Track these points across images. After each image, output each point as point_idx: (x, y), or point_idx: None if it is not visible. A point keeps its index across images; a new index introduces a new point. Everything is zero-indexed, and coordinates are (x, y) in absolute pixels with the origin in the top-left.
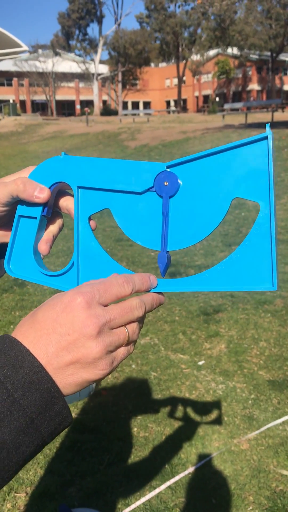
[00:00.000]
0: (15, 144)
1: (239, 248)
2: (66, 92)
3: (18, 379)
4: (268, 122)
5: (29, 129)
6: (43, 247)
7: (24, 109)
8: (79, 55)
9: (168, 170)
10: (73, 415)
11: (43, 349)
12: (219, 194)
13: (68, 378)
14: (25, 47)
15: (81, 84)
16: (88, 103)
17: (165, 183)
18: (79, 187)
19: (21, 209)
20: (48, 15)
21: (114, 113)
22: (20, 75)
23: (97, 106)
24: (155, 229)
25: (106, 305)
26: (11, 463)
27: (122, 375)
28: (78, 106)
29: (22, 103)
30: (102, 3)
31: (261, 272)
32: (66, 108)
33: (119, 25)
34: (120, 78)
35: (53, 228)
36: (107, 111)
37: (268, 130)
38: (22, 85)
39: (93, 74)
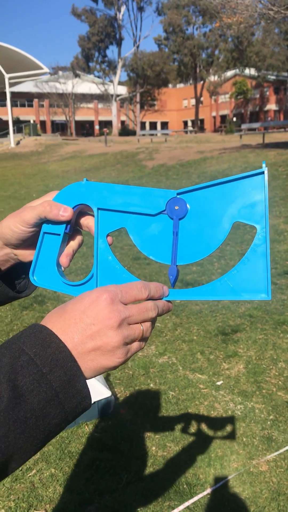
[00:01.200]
0: (35, 164)
1: (239, 264)
2: (85, 113)
3: (46, 357)
4: (263, 160)
5: (49, 149)
6: (64, 260)
7: (44, 129)
8: (99, 77)
9: (178, 196)
10: (93, 433)
11: (70, 336)
12: (221, 218)
13: (89, 363)
14: (46, 69)
15: (100, 105)
16: (107, 124)
17: (175, 207)
18: (99, 209)
19: (46, 227)
20: (69, 38)
21: (132, 133)
22: (41, 96)
23: (116, 126)
24: (166, 246)
25: (126, 304)
26: (38, 432)
27: (141, 393)
28: (97, 127)
29: (43, 123)
30: (121, 26)
31: (258, 284)
32: (85, 129)
33: (137, 47)
34: (138, 99)
35: (73, 244)
36: (125, 131)
37: (264, 167)
38: (43, 106)
39: (112, 95)
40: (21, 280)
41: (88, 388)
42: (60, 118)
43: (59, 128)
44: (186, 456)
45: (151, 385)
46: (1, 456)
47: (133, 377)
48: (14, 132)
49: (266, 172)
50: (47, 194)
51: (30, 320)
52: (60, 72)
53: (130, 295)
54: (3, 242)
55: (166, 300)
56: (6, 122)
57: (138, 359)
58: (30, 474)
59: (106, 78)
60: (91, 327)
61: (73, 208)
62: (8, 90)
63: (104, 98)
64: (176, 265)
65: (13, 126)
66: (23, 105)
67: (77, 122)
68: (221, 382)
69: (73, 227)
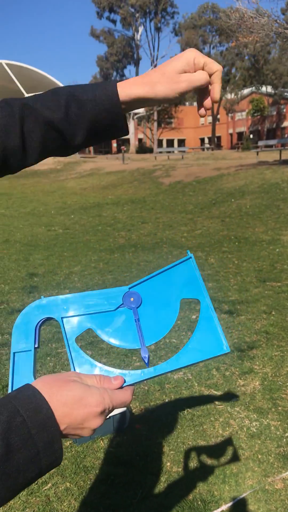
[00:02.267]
0: (54, 181)
1: (196, 333)
2: None
3: (36, 420)
4: (187, 249)
5: (67, 166)
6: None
7: None
8: None
9: (130, 290)
10: (108, 448)
11: (63, 421)
12: (170, 299)
13: (68, 435)
14: None
15: None
16: (124, 142)
17: (131, 299)
18: (62, 318)
19: (15, 347)
20: (87, 58)
21: (150, 150)
22: None
23: (133, 144)
24: (131, 333)
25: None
26: (17, 484)
27: (156, 409)
28: (114, 145)
29: None
30: (139, 46)
31: (215, 343)
32: (103, 146)
33: (155, 66)
34: (155, 117)
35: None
36: (143, 149)
37: (189, 254)
38: None
39: (129, 114)
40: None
41: (62, 449)
42: None
43: None
44: (201, 472)
45: (166, 400)
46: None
47: (149, 393)
48: None
49: (192, 258)
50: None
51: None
52: None
53: (117, 406)
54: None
55: (143, 380)
56: None
57: None
58: (46, 488)
59: None
60: (79, 425)
61: (38, 323)
62: None
63: None
64: (145, 346)
65: None
66: None
67: None
68: (236, 398)
69: (36, 340)
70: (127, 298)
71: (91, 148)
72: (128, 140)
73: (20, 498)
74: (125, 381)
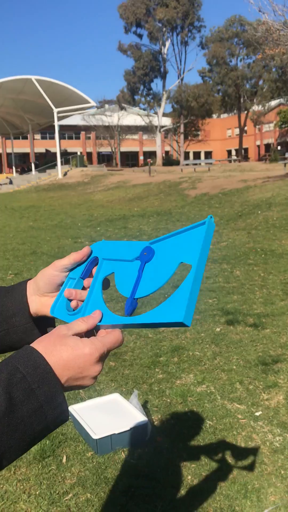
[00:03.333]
0: (81, 194)
1: (168, 298)
2: (130, 144)
3: (35, 375)
4: (210, 214)
5: (94, 179)
6: (73, 302)
7: (90, 161)
8: (144, 109)
9: (149, 245)
10: (129, 459)
11: (62, 374)
12: (172, 260)
13: (68, 388)
14: (93, 103)
15: (145, 136)
16: (151, 154)
17: (144, 253)
18: (103, 259)
19: (70, 274)
20: (115, 72)
21: (176, 163)
22: (88, 128)
23: (160, 156)
24: (132, 283)
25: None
26: (25, 435)
27: (178, 422)
28: (141, 157)
29: (89, 154)
30: (166, 60)
31: (178, 311)
32: (129, 159)
33: (182, 79)
34: (182, 129)
35: (83, 294)
36: (169, 161)
37: (207, 219)
38: (89, 138)
39: (156, 127)
40: (52, 328)
41: (66, 404)
42: (105, 149)
43: (105, 159)
44: (222, 486)
45: (189, 414)
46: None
47: (171, 405)
48: (61, 164)
49: (207, 224)
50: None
51: None
52: (106, 106)
53: (111, 347)
54: (35, 292)
55: (117, 324)
56: (54, 154)
57: (176, 387)
58: (67, 498)
59: (150, 110)
60: (79, 374)
61: (88, 259)
62: (56, 123)
63: (148, 129)
64: (134, 298)
65: (61, 158)
66: (70, 138)
67: (122, 153)
68: (260, 412)
69: (87, 275)
70: (143, 252)
71: (118, 161)
72: (154, 153)
73: (42, 508)
74: (103, 317)
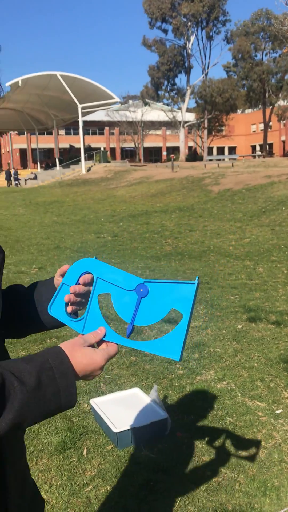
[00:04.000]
0: (104, 189)
1: (166, 335)
2: (153, 140)
3: (60, 368)
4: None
5: (117, 175)
6: (68, 308)
7: (113, 156)
8: (167, 104)
9: (144, 283)
10: (149, 454)
11: (79, 370)
12: (166, 304)
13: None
14: (117, 99)
15: (168, 132)
16: (174, 150)
17: (141, 290)
18: (97, 278)
19: (64, 280)
20: (139, 68)
21: (199, 158)
22: (111, 124)
23: (183, 152)
24: (130, 311)
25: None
26: (44, 410)
27: (198, 418)
28: (164, 153)
29: (112, 150)
30: (190, 55)
31: (174, 349)
32: (153, 155)
33: (206, 74)
34: (206, 124)
35: (75, 298)
36: (192, 156)
37: (196, 280)
38: (113, 133)
39: (180, 122)
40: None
41: (76, 395)
42: (129, 145)
43: (128, 154)
44: (242, 484)
45: (209, 410)
46: (20, 417)
47: (191, 401)
48: (85, 159)
49: (196, 284)
50: (64, 266)
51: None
52: (130, 101)
53: (111, 357)
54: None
55: (117, 342)
56: (78, 149)
57: (197, 383)
58: (87, 490)
59: (174, 105)
60: (88, 374)
61: (81, 273)
62: (81, 119)
63: (172, 124)
64: (132, 325)
65: (85, 153)
66: (94, 133)
67: (145, 149)
68: (280, 410)
69: (77, 283)
70: (139, 287)
71: (141, 157)
72: (178, 148)
73: (62, 498)
74: (106, 333)
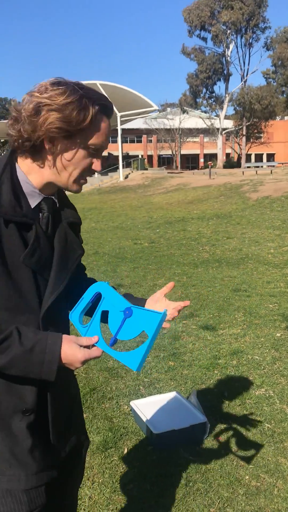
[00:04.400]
0: (141, 196)
1: (135, 349)
2: (190, 147)
3: (51, 347)
4: (165, 309)
5: (154, 182)
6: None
7: (151, 163)
8: (205, 112)
9: (130, 307)
10: (188, 456)
11: (64, 356)
12: (139, 325)
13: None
14: (155, 107)
15: (206, 139)
16: (212, 157)
17: (127, 312)
18: (104, 297)
19: (84, 294)
20: (177, 76)
21: (237, 165)
22: (149, 132)
23: (221, 159)
24: (117, 326)
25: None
26: (26, 369)
27: (236, 423)
28: (201, 160)
29: (150, 157)
30: (229, 62)
31: (134, 360)
32: (190, 162)
33: (245, 82)
34: (244, 131)
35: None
36: (230, 163)
37: (164, 311)
38: (151, 141)
39: (217, 129)
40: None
41: (56, 372)
42: (166, 152)
43: (165, 162)
44: (280, 489)
45: (247, 416)
46: (7, 365)
47: (229, 407)
48: (123, 167)
49: (163, 313)
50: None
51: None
52: (168, 109)
53: (92, 358)
54: None
55: (102, 349)
56: (116, 157)
57: (235, 389)
58: (128, 488)
59: (212, 112)
60: (69, 364)
61: (96, 292)
62: (119, 127)
63: (209, 132)
64: (116, 338)
65: (123, 161)
66: (132, 141)
67: (182, 156)
68: None
69: (92, 298)
70: (126, 309)
71: (179, 164)
72: (215, 155)
73: (104, 495)
74: (98, 341)
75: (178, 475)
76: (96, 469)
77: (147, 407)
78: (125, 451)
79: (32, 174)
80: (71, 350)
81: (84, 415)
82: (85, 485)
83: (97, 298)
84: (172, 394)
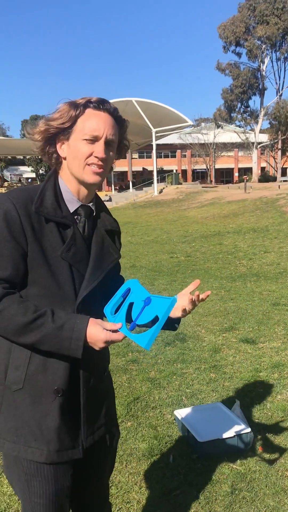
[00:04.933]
0: (176, 210)
1: (145, 331)
2: (225, 161)
3: (78, 326)
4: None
5: (189, 196)
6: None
7: (185, 178)
8: (240, 126)
9: (149, 296)
10: (232, 465)
11: (89, 336)
12: (154, 311)
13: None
14: (190, 122)
15: (240, 153)
16: (246, 171)
17: (146, 300)
18: (131, 291)
19: (118, 291)
20: (212, 91)
21: (273, 179)
22: (183, 147)
23: (255, 173)
24: (137, 313)
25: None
26: (56, 345)
27: (279, 435)
28: (236, 174)
29: (184, 172)
30: (264, 77)
31: (146, 339)
32: (224, 176)
33: (280, 96)
34: (280, 145)
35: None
36: (265, 177)
37: (174, 297)
38: (185, 156)
39: (252, 143)
40: None
41: (81, 349)
42: (200, 166)
43: (199, 176)
44: None
45: None
46: (40, 340)
47: (271, 418)
48: (157, 182)
49: (173, 299)
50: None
51: (172, 355)
52: (203, 124)
53: (113, 340)
54: None
55: (124, 333)
56: (151, 172)
57: (277, 402)
58: (175, 494)
59: (247, 127)
60: (93, 343)
61: (127, 287)
62: (154, 143)
63: (244, 146)
64: (135, 323)
65: (157, 176)
66: (166, 156)
67: (216, 170)
68: None
69: (125, 293)
70: (147, 298)
71: (213, 178)
72: (250, 169)
73: (152, 500)
74: (121, 328)
75: (223, 483)
76: (142, 474)
77: (191, 416)
78: (171, 458)
79: (69, 182)
80: (95, 330)
81: (129, 423)
82: (132, 489)
83: (127, 293)
84: (216, 404)
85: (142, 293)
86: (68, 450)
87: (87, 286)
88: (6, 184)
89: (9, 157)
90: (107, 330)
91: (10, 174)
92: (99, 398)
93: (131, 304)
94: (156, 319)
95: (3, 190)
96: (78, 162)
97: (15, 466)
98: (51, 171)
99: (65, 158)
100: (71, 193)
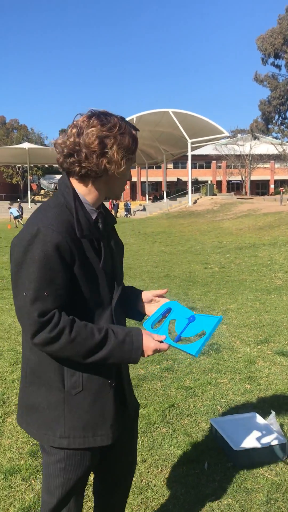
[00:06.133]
0: (210, 221)
1: (193, 342)
2: (261, 173)
3: (135, 339)
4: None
5: (223, 207)
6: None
7: (220, 189)
8: (276, 138)
9: (194, 315)
10: (267, 475)
11: (144, 347)
12: (200, 326)
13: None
14: (226, 133)
15: (277, 165)
16: (283, 183)
17: (191, 318)
18: (172, 310)
19: (158, 309)
20: (248, 102)
21: None
22: (219, 158)
23: None
24: (181, 328)
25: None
26: (119, 357)
27: None
28: (272, 186)
29: (218, 183)
30: None
31: (195, 348)
32: (259, 188)
33: None
34: None
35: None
36: None
37: (220, 317)
38: (220, 167)
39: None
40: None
41: (139, 358)
42: (235, 178)
43: (234, 187)
44: None
45: None
46: (108, 355)
47: None
48: (192, 192)
49: (220, 318)
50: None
51: (207, 365)
52: (239, 135)
53: (160, 350)
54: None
55: (168, 343)
56: (185, 182)
57: None
58: (210, 500)
59: (284, 138)
60: (145, 351)
61: (166, 308)
62: (190, 154)
63: (281, 158)
64: (180, 336)
65: (192, 186)
66: (201, 167)
67: (252, 182)
68: None
69: (163, 313)
70: (191, 317)
71: (248, 190)
72: (286, 181)
73: (188, 503)
74: (166, 339)
75: (258, 492)
76: (178, 480)
77: (227, 425)
78: (206, 465)
79: (89, 195)
80: (147, 340)
81: (164, 429)
82: (168, 494)
83: (167, 312)
84: (252, 414)
85: (184, 312)
86: (120, 427)
87: (118, 288)
88: (42, 192)
89: (46, 165)
90: (155, 340)
91: (47, 183)
92: (130, 382)
93: (171, 322)
94: (201, 334)
95: (40, 198)
96: (123, 183)
97: (67, 460)
98: (66, 182)
99: (105, 174)
100: (89, 204)
